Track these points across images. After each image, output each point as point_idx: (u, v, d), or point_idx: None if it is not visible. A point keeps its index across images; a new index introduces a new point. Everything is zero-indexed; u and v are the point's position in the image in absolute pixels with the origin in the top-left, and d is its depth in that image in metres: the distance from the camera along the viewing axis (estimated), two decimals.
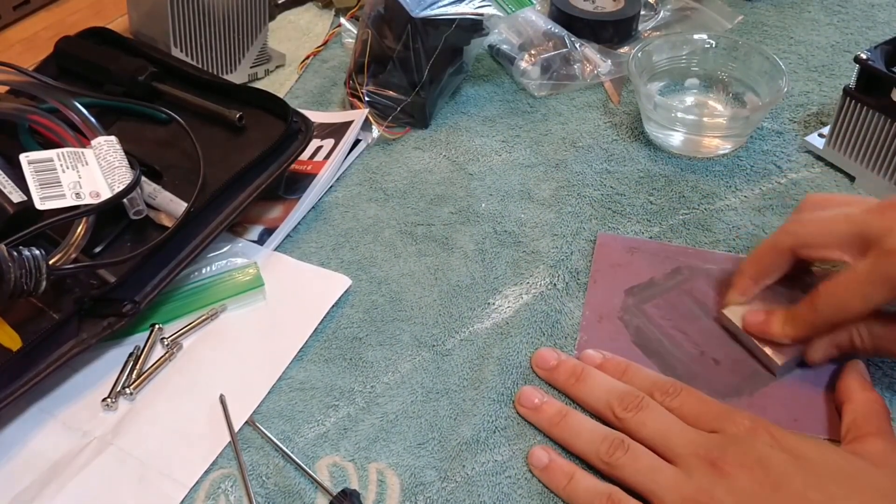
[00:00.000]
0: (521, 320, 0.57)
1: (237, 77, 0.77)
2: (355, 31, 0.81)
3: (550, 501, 0.48)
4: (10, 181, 0.57)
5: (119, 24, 0.85)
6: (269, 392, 0.54)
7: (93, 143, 0.59)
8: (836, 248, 0.50)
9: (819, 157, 0.69)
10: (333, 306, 0.58)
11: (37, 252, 0.50)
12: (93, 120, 0.61)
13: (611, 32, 0.80)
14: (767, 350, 0.53)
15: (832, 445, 0.48)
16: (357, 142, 0.71)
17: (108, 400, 0.53)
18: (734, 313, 0.55)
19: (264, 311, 0.58)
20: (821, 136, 0.69)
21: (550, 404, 0.52)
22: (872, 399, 0.50)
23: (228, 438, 0.51)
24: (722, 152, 0.69)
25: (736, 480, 0.45)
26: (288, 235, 0.64)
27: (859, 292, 0.48)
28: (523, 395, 0.52)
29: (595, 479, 0.48)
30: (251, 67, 0.78)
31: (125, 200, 0.57)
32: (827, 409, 0.51)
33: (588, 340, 0.56)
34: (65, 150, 0.58)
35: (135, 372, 0.54)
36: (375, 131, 0.71)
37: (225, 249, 0.62)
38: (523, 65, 0.77)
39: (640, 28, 0.82)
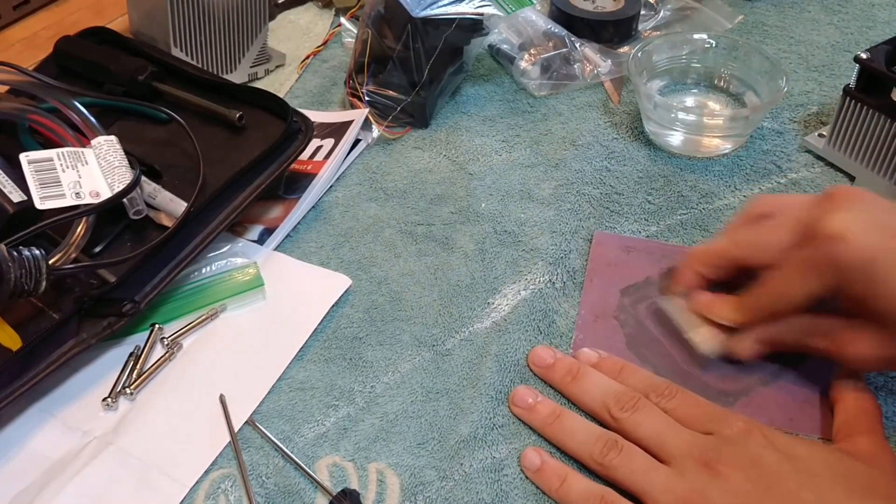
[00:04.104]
0: (518, 317, 0.57)
1: (237, 77, 0.77)
2: (355, 31, 0.81)
3: (548, 498, 0.48)
4: (10, 181, 0.57)
5: (119, 23, 0.85)
6: (269, 392, 0.54)
7: (93, 142, 0.59)
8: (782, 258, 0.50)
9: (819, 157, 0.69)
10: (333, 306, 0.58)
11: (37, 252, 0.50)
12: (93, 120, 0.61)
13: (611, 32, 0.80)
14: (693, 339, 0.53)
15: (825, 445, 0.48)
16: (357, 141, 0.71)
17: (109, 400, 0.53)
18: (667, 304, 0.56)
19: (264, 310, 0.59)
20: (821, 135, 0.69)
21: (544, 404, 0.52)
22: (864, 398, 0.50)
23: (228, 438, 0.51)
24: (722, 152, 0.69)
25: (729, 481, 0.45)
26: (288, 235, 0.64)
27: (798, 281, 0.49)
28: (517, 395, 0.53)
29: (588, 480, 0.48)
30: (251, 67, 0.78)
31: (125, 200, 0.57)
32: (821, 409, 0.51)
33: (584, 339, 0.56)
34: (65, 149, 0.58)
35: (135, 372, 0.54)
36: (375, 131, 0.71)
37: (225, 249, 0.62)
38: (523, 64, 0.77)
39: (640, 28, 0.82)
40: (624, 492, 0.47)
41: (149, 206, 0.60)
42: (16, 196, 0.57)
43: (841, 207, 0.48)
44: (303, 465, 0.50)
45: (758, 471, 0.45)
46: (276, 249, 0.63)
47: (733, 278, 0.54)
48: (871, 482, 0.45)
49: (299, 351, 0.56)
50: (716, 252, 0.55)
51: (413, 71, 0.70)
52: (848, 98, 0.65)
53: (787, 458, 0.45)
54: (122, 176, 0.57)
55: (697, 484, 0.45)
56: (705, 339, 0.53)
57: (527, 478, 0.49)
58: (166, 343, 0.56)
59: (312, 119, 0.66)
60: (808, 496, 0.44)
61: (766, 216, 0.53)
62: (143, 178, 0.59)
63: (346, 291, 0.59)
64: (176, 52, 0.73)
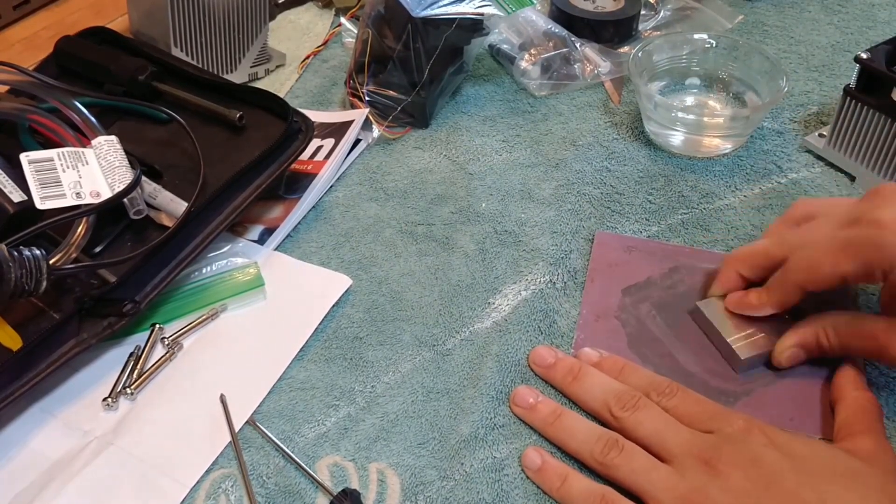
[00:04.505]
0: (519, 317, 0.57)
1: (237, 77, 0.77)
2: (355, 31, 0.81)
3: (548, 498, 0.48)
4: (10, 181, 0.57)
5: (119, 23, 0.85)
6: (269, 392, 0.54)
7: (93, 142, 0.59)
8: None
9: (819, 157, 0.69)
10: (334, 306, 0.58)
11: (37, 252, 0.50)
12: (93, 120, 0.61)
13: (611, 32, 0.80)
14: (732, 344, 0.53)
15: (825, 444, 0.48)
16: (357, 141, 0.71)
17: (109, 400, 0.53)
18: (707, 306, 0.55)
19: (265, 310, 0.58)
20: (821, 135, 0.69)
21: (545, 404, 0.52)
22: (865, 398, 0.50)
23: (229, 438, 0.51)
24: (722, 152, 0.69)
25: (730, 479, 0.45)
26: (288, 235, 0.64)
27: (831, 257, 0.49)
28: (518, 394, 0.52)
29: (588, 479, 0.48)
30: (251, 67, 0.78)
31: (125, 200, 0.57)
32: (822, 408, 0.51)
33: (585, 339, 0.56)
34: (65, 149, 0.58)
35: (135, 372, 0.54)
36: (376, 131, 0.71)
37: (225, 249, 0.62)
38: (524, 64, 0.77)
39: (640, 28, 0.82)
40: (625, 491, 0.47)
41: (149, 206, 0.60)
42: (16, 196, 0.57)
43: (888, 201, 0.48)
44: (303, 464, 0.50)
45: (758, 469, 0.45)
46: (276, 249, 0.63)
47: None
48: (872, 481, 0.45)
49: (300, 351, 0.56)
50: (758, 252, 0.54)
51: (413, 71, 0.70)
52: (848, 98, 0.65)
53: (787, 456, 0.46)
54: (123, 176, 0.57)
55: (698, 483, 0.45)
56: (745, 343, 0.53)
57: (527, 477, 0.49)
58: (167, 343, 0.56)
59: (313, 119, 0.66)
60: (809, 495, 0.44)
61: (810, 217, 0.53)
62: (144, 178, 0.59)
63: (346, 291, 0.59)
64: (176, 52, 0.73)
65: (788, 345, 0.52)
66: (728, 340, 0.53)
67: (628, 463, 0.47)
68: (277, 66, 0.80)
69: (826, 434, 0.50)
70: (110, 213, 0.58)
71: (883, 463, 0.46)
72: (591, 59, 0.77)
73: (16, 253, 0.49)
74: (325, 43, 0.83)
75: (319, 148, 0.69)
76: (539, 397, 0.52)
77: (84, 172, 0.57)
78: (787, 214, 0.56)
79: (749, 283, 0.55)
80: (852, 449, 0.47)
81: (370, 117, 0.71)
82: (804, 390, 0.52)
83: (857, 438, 0.47)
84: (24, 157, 0.56)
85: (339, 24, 0.85)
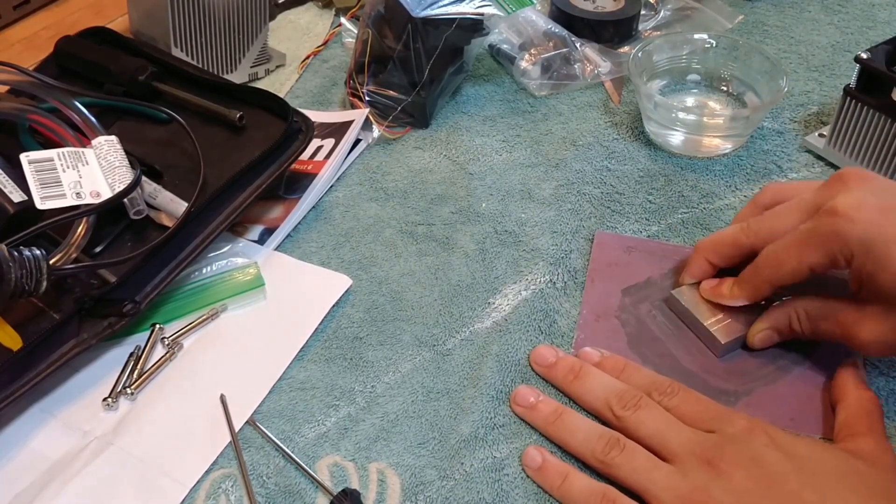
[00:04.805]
0: (519, 316, 0.57)
1: (237, 77, 0.77)
2: (355, 31, 0.81)
3: (548, 498, 0.48)
4: (10, 181, 0.57)
5: (119, 23, 0.85)
6: (269, 392, 0.54)
7: (93, 142, 0.59)
8: None
9: (819, 157, 0.69)
10: (334, 306, 0.58)
11: (37, 252, 0.50)
12: (93, 120, 0.61)
13: (611, 32, 0.80)
14: (710, 328, 0.54)
15: (827, 444, 0.48)
16: (357, 141, 0.71)
17: (109, 400, 0.53)
18: (682, 294, 0.56)
19: (265, 310, 0.58)
20: (821, 135, 0.69)
21: (546, 403, 0.52)
22: (866, 398, 0.50)
23: (229, 438, 0.51)
24: (722, 152, 0.69)
25: (731, 479, 0.45)
26: (288, 235, 0.64)
27: (795, 251, 0.50)
28: (519, 394, 0.52)
29: (589, 478, 0.48)
30: (251, 67, 0.78)
31: (125, 200, 0.57)
32: (823, 408, 0.51)
33: (585, 339, 0.56)
34: (65, 149, 0.58)
35: (135, 372, 0.54)
36: (376, 131, 0.71)
37: (225, 249, 0.62)
38: (524, 64, 0.77)
39: (640, 28, 0.82)
40: (626, 490, 0.47)
41: (149, 206, 0.60)
42: (16, 196, 0.57)
43: (850, 188, 0.49)
44: (303, 464, 0.50)
45: (760, 469, 0.45)
46: (276, 249, 0.63)
47: (743, 265, 0.54)
48: (873, 481, 0.45)
49: (300, 351, 0.56)
50: (726, 241, 0.55)
51: (413, 71, 0.70)
52: (848, 98, 0.65)
53: (788, 456, 0.45)
54: (123, 176, 0.57)
55: (699, 482, 0.45)
56: (723, 326, 0.54)
57: (528, 477, 0.49)
58: (167, 343, 0.56)
59: (313, 119, 0.66)
60: (810, 495, 0.44)
61: (776, 203, 0.54)
62: (144, 178, 0.59)
63: (346, 291, 0.59)
64: (176, 52, 0.73)
65: (761, 327, 0.53)
66: (706, 325, 0.54)
67: (629, 462, 0.47)
68: (277, 66, 0.80)
69: (827, 434, 0.50)
70: (110, 213, 0.58)
71: (884, 463, 0.46)
72: (592, 59, 0.77)
73: (16, 253, 0.49)
74: (325, 43, 0.83)
75: (319, 148, 0.69)
76: (540, 396, 0.52)
77: (84, 172, 0.57)
78: (756, 199, 0.56)
79: (719, 270, 0.56)
80: (853, 449, 0.47)
81: (370, 117, 0.71)
82: (805, 390, 0.52)
83: (858, 439, 0.47)
84: (24, 157, 0.56)
85: (339, 24, 0.85)
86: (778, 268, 0.51)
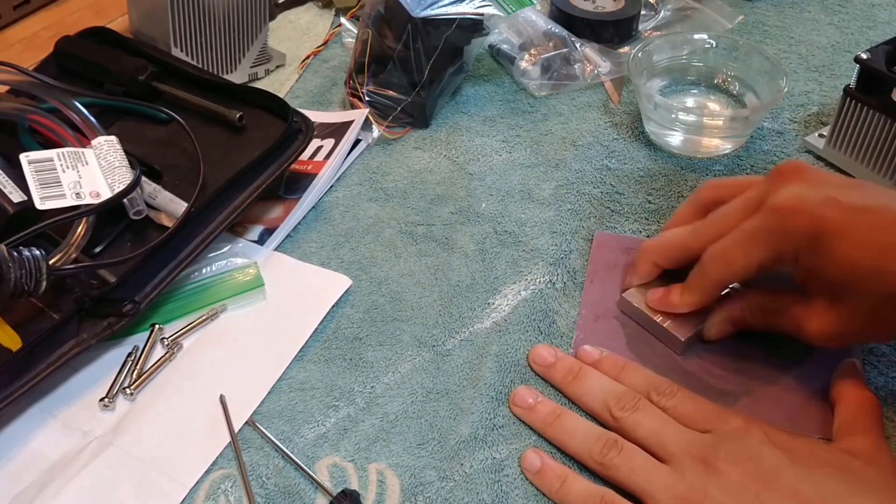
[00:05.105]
0: (518, 317, 0.57)
1: (237, 77, 0.77)
2: (355, 31, 0.81)
3: (548, 499, 0.48)
4: (10, 181, 0.57)
5: (119, 23, 0.85)
6: (269, 392, 0.54)
7: (93, 142, 0.59)
8: None
9: (819, 157, 0.69)
10: (334, 306, 0.58)
11: (37, 252, 0.50)
12: (93, 120, 0.61)
13: (611, 32, 0.80)
14: (669, 328, 0.54)
15: (824, 443, 0.48)
16: (357, 142, 0.71)
17: (106, 400, 0.53)
18: (634, 296, 0.56)
19: (264, 311, 0.58)
20: (821, 136, 0.69)
21: (544, 404, 0.52)
22: (865, 398, 0.50)
23: (228, 439, 0.51)
24: (722, 152, 0.69)
25: (728, 477, 0.45)
26: (288, 235, 0.64)
27: (742, 249, 0.50)
28: (517, 395, 0.53)
29: (588, 481, 0.48)
30: (251, 67, 0.78)
31: (125, 200, 0.57)
32: (822, 409, 0.51)
33: (584, 339, 0.56)
34: (65, 149, 0.58)
35: (135, 372, 0.54)
36: (376, 131, 0.71)
37: (225, 249, 0.62)
38: (523, 65, 0.77)
39: (640, 28, 0.82)
40: (624, 493, 0.47)
41: (149, 206, 0.60)
42: (16, 196, 0.57)
43: (790, 182, 0.49)
44: (303, 465, 0.50)
45: (756, 466, 0.45)
46: (276, 250, 0.63)
47: (689, 266, 0.54)
48: (869, 478, 0.45)
49: (299, 351, 0.56)
50: (673, 245, 0.55)
51: (413, 71, 0.70)
52: (848, 98, 0.65)
53: (785, 452, 0.46)
54: (123, 176, 0.57)
55: (697, 482, 0.45)
56: (679, 324, 0.54)
57: (527, 479, 0.49)
58: (166, 343, 0.56)
59: (313, 119, 0.66)
60: (807, 489, 0.44)
61: (718, 201, 0.54)
62: (144, 178, 0.59)
63: (346, 292, 0.59)
64: (176, 52, 0.73)
65: (717, 321, 0.54)
66: (664, 326, 0.54)
67: (627, 463, 0.47)
68: (277, 67, 0.80)
69: (825, 434, 0.50)
70: (110, 214, 0.58)
71: (881, 462, 0.46)
72: (591, 59, 0.77)
73: (16, 253, 0.49)
74: (325, 43, 0.83)
75: (319, 148, 0.69)
76: (538, 397, 0.52)
77: (84, 172, 0.57)
78: (696, 197, 0.56)
79: (664, 271, 0.56)
80: (851, 448, 0.47)
81: (370, 117, 0.71)
82: (803, 391, 0.52)
83: (855, 438, 0.48)
84: (24, 157, 0.56)
85: (339, 25, 0.85)
86: (726, 268, 0.51)
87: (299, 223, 0.65)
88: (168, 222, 0.60)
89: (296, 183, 0.66)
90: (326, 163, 0.68)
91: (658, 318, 0.55)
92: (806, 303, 0.50)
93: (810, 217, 0.47)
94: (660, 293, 0.55)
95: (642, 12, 0.82)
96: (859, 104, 0.64)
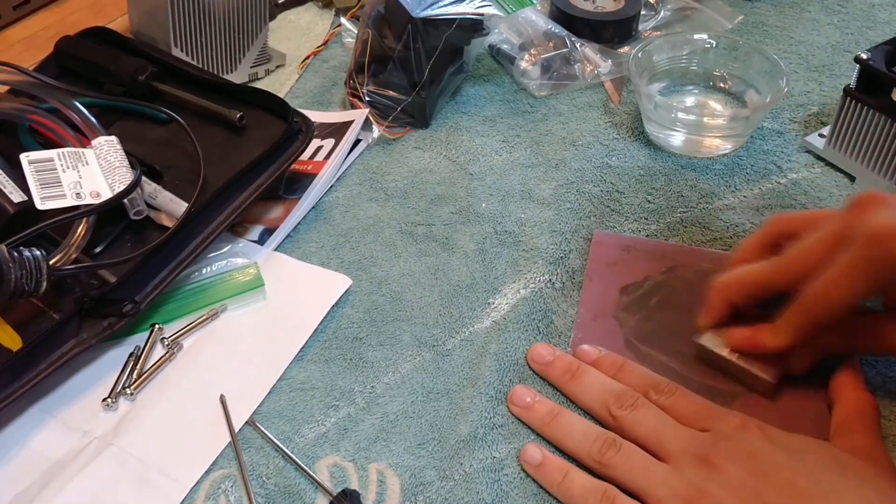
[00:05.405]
0: (518, 315, 0.57)
1: (237, 77, 0.77)
2: (355, 31, 0.81)
3: (548, 497, 0.48)
4: (10, 181, 0.57)
5: (119, 23, 0.85)
6: (269, 392, 0.54)
7: (93, 143, 0.59)
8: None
9: (819, 157, 0.69)
10: (334, 306, 0.58)
11: (37, 252, 0.50)
12: (93, 120, 0.61)
13: (611, 32, 0.80)
14: (758, 372, 0.51)
15: (821, 441, 0.49)
16: (357, 142, 0.71)
17: (109, 400, 0.53)
18: (710, 341, 0.53)
19: (265, 311, 0.58)
20: (821, 136, 0.69)
21: (542, 403, 0.52)
22: (862, 398, 0.50)
23: (229, 438, 0.51)
24: (722, 152, 0.69)
25: (726, 474, 0.45)
26: (288, 235, 0.64)
27: (846, 285, 0.48)
28: (515, 394, 0.53)
29: (590, 476, 0.48)
30: (251, 67, 0.78)
31: (125, 201, 0.57)
32: (820, 408, 0.51)
33: (582, 338, 0.56)
34: (65, 150, 0.58)
35: (135, 372, 0.54)
36: (376, 131, 0.71)
37: (225, 249, 0.62)
38: (524, 65, 0.77)
39: (640, 28, 0.82)
40: (624, 491, 0.47)
41: (149, 206, 0.60)
42: (16, 196, 0.57)
43: (875, 208, 0.48)
44: (303, 465, 0.50)
45: (754, 462, 0.45)
46: (276, 250, 0.63)
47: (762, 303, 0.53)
48: (865, 473, 0.46)
49: (300, 351, 0.56)
50: (758, 281, 0.52)
51: (413, 71, 0.70)
52: (848, 98, 0.65)
53: (782, 448, 0.46)
54: (123, 176, 0.57)
55: (695, 480, 0.46)
56: (768, 368, 0.52)
57: (527, 477, 0.49)
58: (167, 343, 0.56)
59: (313, 119, 0.66)
60: (805, 484, 0.44)
61: (790, 234, 0.52)
62: (144, 178, 0.59)
63: (346, 292, 0.59)
64: (176, 52, 0.73)
65: (808, 353, 0.51)
66: (759, 375, 0.51)
67: (625, 462, 0.48)
68: (277, 67, 0.80)
69: (823, 434, 0.50)
70: (110, 214, 0.58)
71: (876, 459, 0.47)
72: (591, 59, 0.77)
73: (16, 253, 0.49)
74: (325, 43, 0.83)
75: (319, 148, 0.69)
76: (536, 397, 0.52)
77: (84, 173, 0.57)
78: (766, 231, 0.54)
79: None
80: (847, 446, 0.47)
81: (370, 117, 0.71)
82: (802, 390, 0.52)
83: (852, 437, 0.48)
84: (24, 158, 0.56)
85: (339, 25, 0.85)
86: (830, 306, 0.48)
87: (299, 223, 0.65)
88: (168, 222, 0.60)
89: (296, 183, 0.66)
90: (326, 163, 0.68)
91: (741, 362, 0.52)
92: (894, 320, 0.50)
93: None
94: (745, 334, 0.52)
95: (642, 12, 0.82)
96: (859, 104, 0.64)
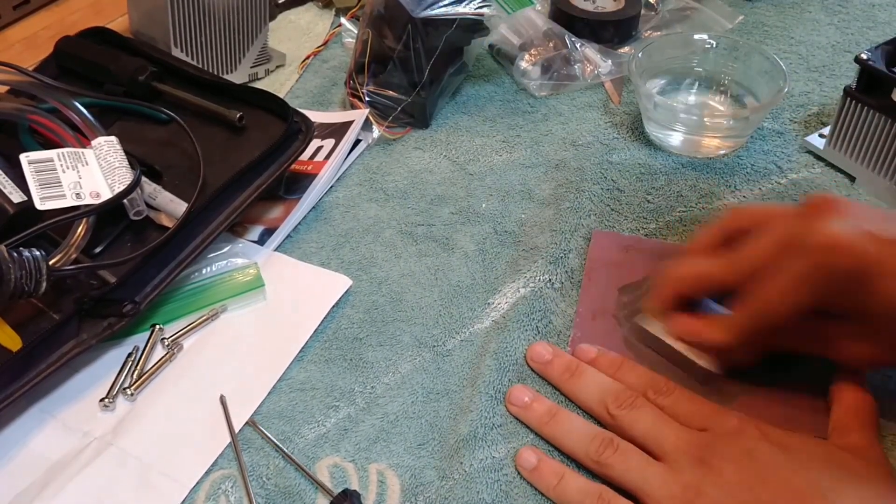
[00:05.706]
0: (517, 314, 0.57)
1: (237, 77, 0.77)
2: (355, 31, 0.81)
3: (547, 497, 0.48)
4: (10, 181, 0.57)
5: (119, 23, 0.85)
6: (269, 393, 0.54)
7: (93, 143, 0.59)
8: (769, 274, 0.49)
9: (819, 158, 0.69)
10: (334, 307, 0.58)
11: (37, 253, 0.50)
12: (93, 120, 0.61)
13: (611, 32, 0.80)
14: (700, 361, 0.52)
15: (818, 440, 0.49)
16: (357, 142, 0.71)
17: (106, 400, 0.53)
18: (651, 324, 0.54)
19: (265, 311, 0.58)
20: (821, 136, 0.69)
21: (540, 402, 0.52)
22: (860, 397, 0.50)
23: (229, 439, 0.51)
24: (722, 152, 0.69)
25: (723, 474, 0.45)
26: (288, 236, 0.64)
27: (793, 294, 0.48)
28: (513, 393, 0.53)
29: (585, 478, 0.48)
30: (251, 67, 0.78)
31: (125, 201, 0.57)
32: (818, 407, 0.51)
33: (581, 337, 0.56)
34: (65, 150, 0.58)
35: (135, 372, 0.54)
36: (376, 131, 0.71)
37: (225, 250, 0.62)
38: (524, 65, 0.77)
39: (640, 28, 0.82)
40: (622, 490, 0.47)
41: (149, 206, 0.60)
42: (16, 196, 0.57)
43: (827, 216, 0.48)
44: (303, 465, 0.50)
45: (751, 462, 0.46)
46: (276, 250, 0.63)
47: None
48: (862, 472, 0.46)
49: (300, 351, 0.56)
50: (703, 276, 0.52)
51: (413, 71, 0.70)
52: (848, 98, 0.65)
53: (780, 448, 0.46)
54: (123, 176, 0.57)
55: (692, 479, 0.46)
56: (708, 359, 0.52)
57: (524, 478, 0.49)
58: (167, 343, 0.56)
59: (313, 119, 0.66)
60: (801, 483, 0.44)
61: (745, 231, 0.52)
62: (144, 178, 0.59)
63: (346, 292, 0.59)
64: (176, 52, 0.73)
65: (746, 352, 0.52)
66: (699, 363, 0.52)
67: (623, 462, 0.48)
68: (277, 67, 0.80)
69: (821, 434, 0.50)
70: (110, 214, 0.58)
71: (874, 457, 0.47)
72: (592, 59, 0.77)
73: (16, 254, 0.49)
74: (325, 43, 0.83)
75: (319, 148, 0.69)
76: (534, 396, 0.52)
77: (84, 173, 0.57)
78: (721, 226, 0.54)
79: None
80: (844, 445, 0.48)
81: (370, 117, 0.71)
82: (800, 390, 0.52)
83: (850, 435, 0.48)
84: (24, 158, 0.56)
85: (339, 25, 0.85)
86: (776, 312, 0.49)
87: (299, 223, 0.65)
88: (168, 222, 0.60)
89: (296, 183, 0.66)
90: (326, 163, 0.68)
91: (681, 348, 0.53)
92: (842, 330, 0.49)
93: (851, 255, 0.46)
94: (688, 323, 0.52)
95: (642, 12, 0.82)
96: (859, 104, 0.64)
